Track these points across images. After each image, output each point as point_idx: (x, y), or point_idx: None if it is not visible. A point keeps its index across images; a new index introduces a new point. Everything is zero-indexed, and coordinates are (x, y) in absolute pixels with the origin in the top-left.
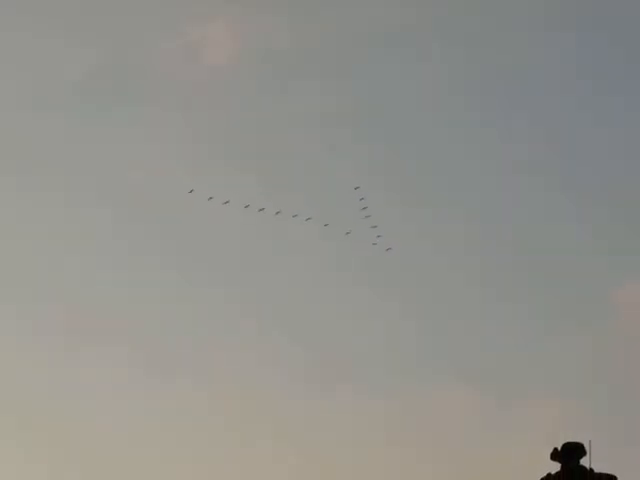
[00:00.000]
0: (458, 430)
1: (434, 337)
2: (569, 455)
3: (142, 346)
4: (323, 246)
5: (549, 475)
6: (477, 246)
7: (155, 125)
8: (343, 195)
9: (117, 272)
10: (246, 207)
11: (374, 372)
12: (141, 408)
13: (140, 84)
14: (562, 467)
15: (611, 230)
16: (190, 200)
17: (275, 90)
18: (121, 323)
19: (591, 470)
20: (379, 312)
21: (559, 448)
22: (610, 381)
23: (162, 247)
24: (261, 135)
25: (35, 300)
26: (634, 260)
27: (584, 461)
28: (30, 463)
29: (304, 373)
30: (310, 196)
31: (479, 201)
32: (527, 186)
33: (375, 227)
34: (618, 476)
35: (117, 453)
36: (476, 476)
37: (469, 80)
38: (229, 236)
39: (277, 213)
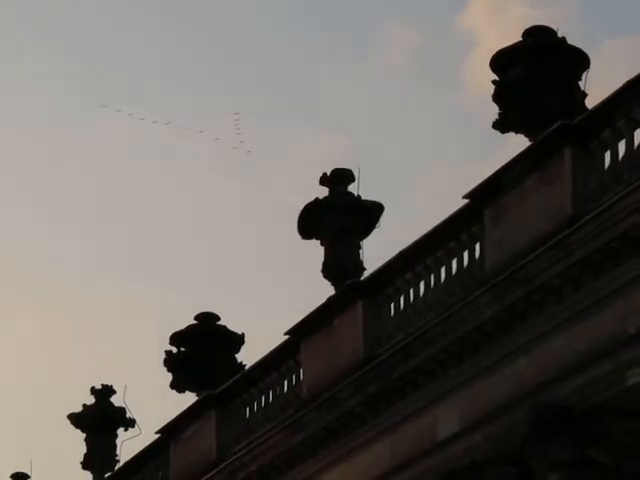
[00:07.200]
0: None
1: None
2: (337, 180)
3: None
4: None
5: (317, 199)
6: None
7: None
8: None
9: None
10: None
11: None
12: None
13: None
14: (329, 192)
15: None
16: None
17: None
18: None
19: (358, 196)
20: None
21: (328, 174)
22: (382, 115)
23: None
24: None
25: None
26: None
27: (352, 188)
28: None
29: None
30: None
31: None
32: None
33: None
34: (385, 205)
35: None
36: None
37: None
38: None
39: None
